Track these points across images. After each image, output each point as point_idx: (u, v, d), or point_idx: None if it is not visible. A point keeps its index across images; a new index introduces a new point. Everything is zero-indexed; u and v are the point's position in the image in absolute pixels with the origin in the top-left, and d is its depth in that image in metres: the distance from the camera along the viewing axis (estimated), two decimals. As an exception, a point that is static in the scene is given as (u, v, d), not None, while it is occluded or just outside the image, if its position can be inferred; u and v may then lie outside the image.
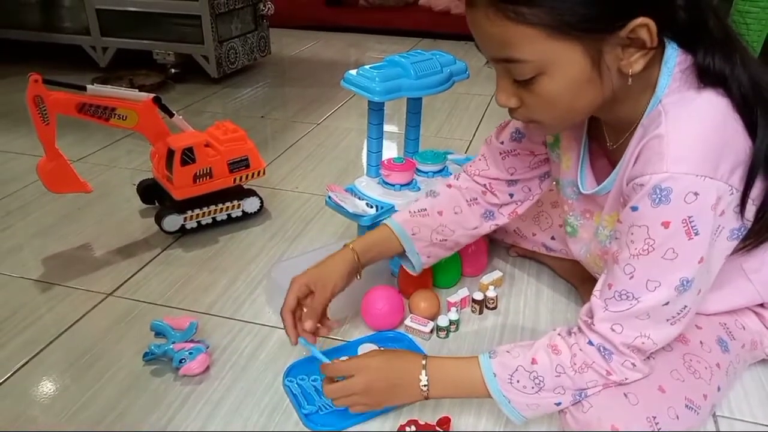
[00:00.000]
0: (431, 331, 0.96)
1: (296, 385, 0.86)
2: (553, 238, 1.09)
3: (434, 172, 1.13)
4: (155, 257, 1.19)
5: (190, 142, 1.18)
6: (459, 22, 2.64)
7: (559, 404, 0.71)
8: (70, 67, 2.32)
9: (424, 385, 0.75)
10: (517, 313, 1.03)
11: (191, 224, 1.25)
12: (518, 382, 0.71)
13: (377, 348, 0.89)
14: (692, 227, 0.61)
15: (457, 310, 1.00)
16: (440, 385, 0.75)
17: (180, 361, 0.88)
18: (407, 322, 0.97)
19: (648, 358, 0.71)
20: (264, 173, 1.30)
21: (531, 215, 1.10)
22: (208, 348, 0.91)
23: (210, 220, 1.27)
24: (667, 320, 0.67)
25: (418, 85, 1.03)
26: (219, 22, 2.16)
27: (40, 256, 1.19)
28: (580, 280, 1.05)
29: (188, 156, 1.18)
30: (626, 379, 0.70)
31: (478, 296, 1.01)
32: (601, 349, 0.69)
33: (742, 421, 0.82)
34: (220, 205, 1.27)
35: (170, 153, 1.18)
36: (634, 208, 0.64)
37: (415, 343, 0.95)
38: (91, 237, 1.26)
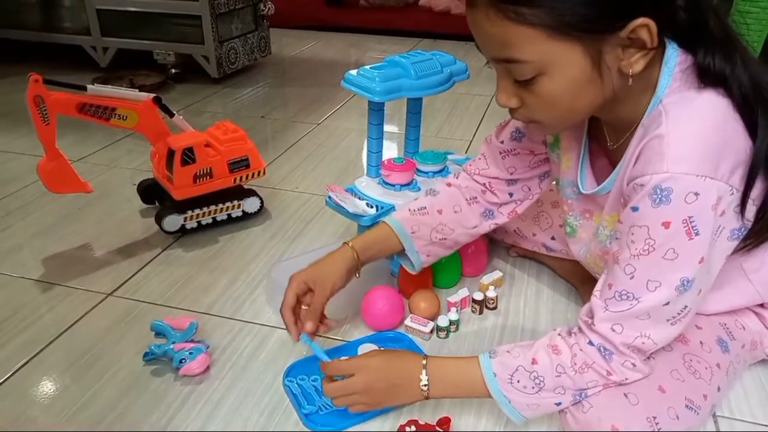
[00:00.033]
0: (431, 331, 0.96)
1: (296, 385, 0.86)
2: (553, 238, 1.09)
3: (434, 173, 1.13)
4: (155, 257, 1.19)
5: (191, 142, 1.18)
6: (459, 22, 2.65)
7: (559, 404, 0.71)
8: (71, 67, 2.32)
9: (425, 385, 0.75)
10: (517, 313, 1.03)
11: (191, 224, 1.25)
12: (518, 382, 0.71)
13: (377, 348, 0.89)
14: (693, 227, 0.61)
15: (457, 310, 1.00)
16: (440, 385, 0.75)
17: (180, 361, 0.88)
18: (407, 322, 0.97)
19: (648, 358, 0.71)
20: (264, 173, 1.30)
21: (531, 215, 1.10)
22: (208, 348, 0.91)
23: (210, 220, 1.27)
24: (668, 320, 0.67)
25: (418, 85, 1.03)
26: (219, 22, 2.16)
27: (40, 256, 1.19)
28: (580, 281, 1.05)
29: (188, 156, 1.18)
30: (626, 379, 0.70)
31: (478, 296, 1.01)
32: (602, 349, 0.69)
33: (742, 421, 0.82)
34: (220, 205, 1.27)
35: (170, 153, 1.18)
36: (635, 209, 0.64)
37: (415, 343, 0.95)
38: (91, 237, 1.26)
